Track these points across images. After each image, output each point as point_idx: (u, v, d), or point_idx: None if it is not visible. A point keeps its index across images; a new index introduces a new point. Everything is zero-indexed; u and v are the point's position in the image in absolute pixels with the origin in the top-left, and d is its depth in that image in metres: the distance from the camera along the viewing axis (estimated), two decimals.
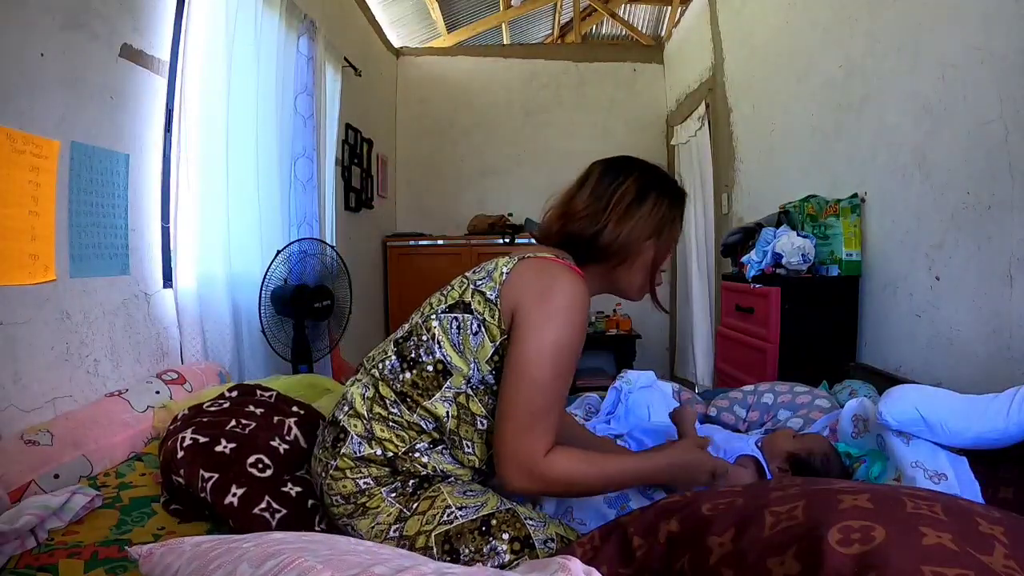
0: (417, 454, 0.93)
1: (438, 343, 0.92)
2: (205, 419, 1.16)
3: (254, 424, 1.16)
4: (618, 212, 0.98)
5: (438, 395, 0.92)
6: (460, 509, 0.91)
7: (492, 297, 0.91)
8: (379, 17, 4.12)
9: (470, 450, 0.95)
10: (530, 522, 0.92)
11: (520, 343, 0.88)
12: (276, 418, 1.20)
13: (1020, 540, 0.53)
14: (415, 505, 0.92)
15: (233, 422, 1.15)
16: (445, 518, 0.90)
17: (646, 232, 0.99)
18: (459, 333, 0.92)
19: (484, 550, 0.88)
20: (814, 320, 2.02)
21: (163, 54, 1.75)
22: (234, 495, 1.00)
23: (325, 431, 0.99)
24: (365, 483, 0.92)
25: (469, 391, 0.93)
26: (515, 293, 0.90)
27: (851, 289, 2.03)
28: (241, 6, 2.11)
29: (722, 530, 0.63)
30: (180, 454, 1.06)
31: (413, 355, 0.94)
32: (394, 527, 0.91)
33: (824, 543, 0.53)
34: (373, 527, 0.92)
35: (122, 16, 1.58)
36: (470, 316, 0.92)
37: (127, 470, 1.28)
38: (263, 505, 1.00)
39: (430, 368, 0.92)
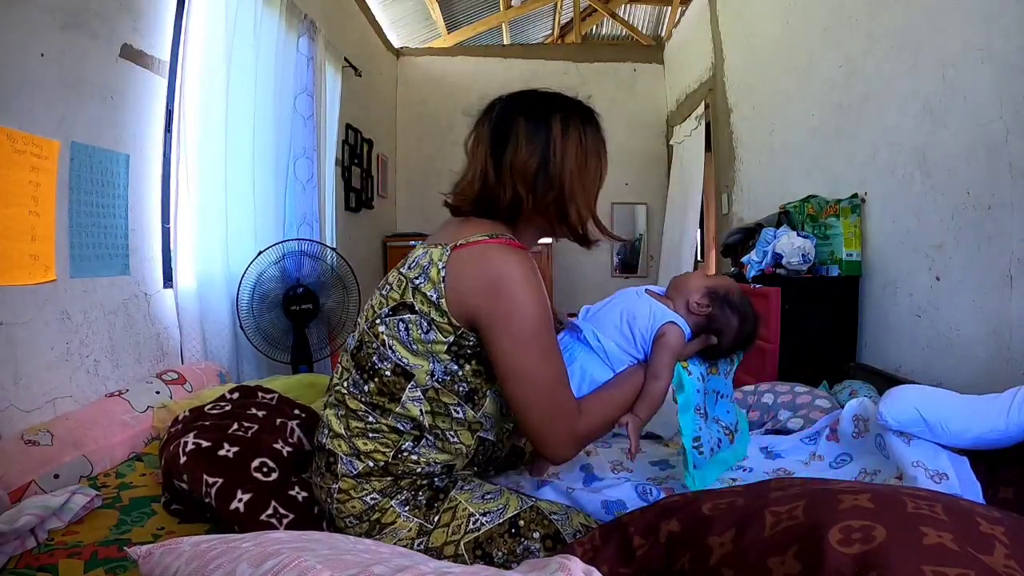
0: (405, 454, 0.91)
1: (390, 348, 0.89)
2: (207, 422, 1.15)
3: (256, 427, 1.15)
4: (568, 162, 0.92)
5: (405, 395, 0.90)
6: (484, 515, 0.90)
7: (435, 298, 0.86)
8: (379, 17, 4.12)
9: (455, 439, 0.94)
10: (555, 517, 0.92)
11: (497, 349, 0.86)
12: (278, 420, 1.19)
13: (1021, 540, 0.53)
14: (436, 518, 0.91)
15: (235, 425, 1.14)
16: (471, 526, 0.89)
17: (581, 164, 0.94)
18: (408, 334, 0.88)
19: (518, 551, 0.88)
20: (814, 320, 2.02)
21: (163, 54, 1.75)
22: (240, 500, 0.98)
23: (316, 458, 0.97)
24: (372, 499, 0.91)
25: (436, 384, 0.90)
26: (463, 296, 0.86)
27: (851, 289, 2.03)
28: (241, 6, 2.11)
29: (723, 530, 0.63)
30: (183, 459, 1.05)
31: (368, 364, 0.91)
32: (418, 541, 0.90)
33: (825, 543, 0.53)
34: (395, 544, 0.90)
35: (122, 16, 1.58)
36: (416, 316, 0.88)
37: (127, 470, 1.28)
38: (270, 511, 0.98)
39: (388, 373, 0.90)
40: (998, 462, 1.03)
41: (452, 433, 0.93)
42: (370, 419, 0.91)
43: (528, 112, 0.94)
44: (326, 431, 0.94)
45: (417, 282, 0.88)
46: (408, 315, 0.88)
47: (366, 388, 0.91)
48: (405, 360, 0.89)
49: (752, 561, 0.58)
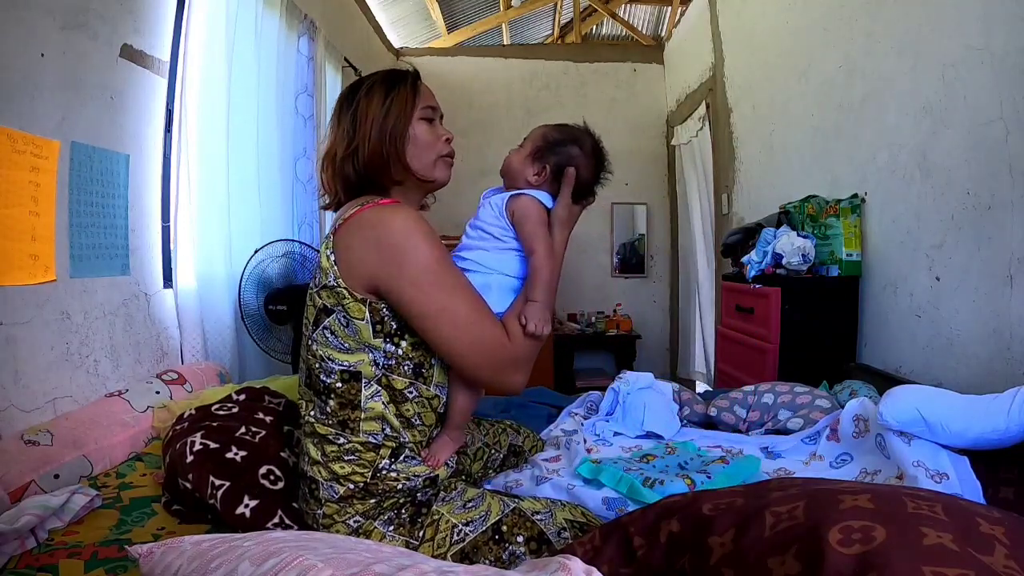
0: (384, 472, 0.91)
1: (329, 359, 0.91)
2: (215, 423, 1.15)
3: (264, 432, 1.14)
4: (372, 117, 0.95)
5: (363, 396, 0.90)
6: (467, 525, 0.90)
7: (334, 281, 0.88)
8: (379, 17, 4.12)
9: (419, 422, 0.94)
10: (538, 517, 0.92)
11: (405, 302, 0.87)
12: (286, 428, 1.19)
13: (1021, 540, 0.53)
14: (420, 534, 0.90)
15: (243, 429, 1.13)
16: (456, 537, 0.89)
17: (383, 115, 0.96)
18: (336, 337, 0.90)
19: (503, 557, 0.88)
20: (814, 320, 2.02)
21: (163, 54, 1.75)
22: (247, 506, 0.98)
23: (301, 484, 0.98)
24: (355, 522, 0.91)
25: (384, 372, 0.91)
26: (355, 266, 0.87)
27: (851, 289, 2.03)
28: (241, 6, 2.11)
29: (723, 530, 0.63)
30: (189, 458, 1.04)
31: (321, 386, 0.92)
32: None
33: (824, 543, 0.53)
34: None
35: (122, 16, 1.58)
36: (333, 315, 0.90)
37: (127, 470, 1.28)
38: (276, 520, 0.98)
39: (339, 383, 0.91)
40: (998, 462, 1.04)
41: (417, 417, 0.94)
42: (341, 440, 0.91)
43: (345, 97, 1.01)
44: (306, 458, 0.95)
45: (318, 280, 0.91)
46: (327, 319, 0.90)
47: (328, 409, 0.92)
48: (346, 363, 0.90)
49: (752, 561, 0.58)
